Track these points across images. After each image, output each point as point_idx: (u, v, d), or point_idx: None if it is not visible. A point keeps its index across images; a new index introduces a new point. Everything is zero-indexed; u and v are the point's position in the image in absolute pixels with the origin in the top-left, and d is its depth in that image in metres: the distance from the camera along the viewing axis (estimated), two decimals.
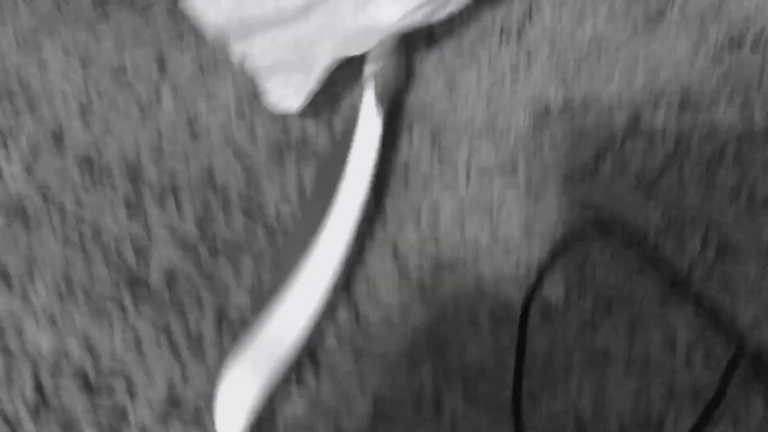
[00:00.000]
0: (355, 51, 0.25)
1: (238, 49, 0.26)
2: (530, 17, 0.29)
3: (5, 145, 0.25)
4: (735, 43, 0.29)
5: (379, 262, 0.25)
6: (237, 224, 0.25)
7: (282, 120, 0.26)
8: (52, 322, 0.23)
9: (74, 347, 0.23)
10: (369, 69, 0.26)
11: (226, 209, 0.25)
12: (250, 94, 0.26)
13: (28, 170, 0.24)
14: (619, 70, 0.28)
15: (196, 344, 0.23)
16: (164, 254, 0.24)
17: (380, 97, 0.25)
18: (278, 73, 0.25)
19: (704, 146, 0.28)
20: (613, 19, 0.29)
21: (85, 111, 0.25)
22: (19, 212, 0.24)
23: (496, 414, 0.23)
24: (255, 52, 0.26)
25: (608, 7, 0.29)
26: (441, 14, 0.26)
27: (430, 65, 0.28)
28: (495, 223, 0.25)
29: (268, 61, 0.26)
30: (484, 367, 0.23)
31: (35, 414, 0.22)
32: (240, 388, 0.22)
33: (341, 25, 0.25)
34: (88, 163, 0.25)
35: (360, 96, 0.25)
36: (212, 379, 0.22)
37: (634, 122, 0.28)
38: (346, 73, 0.27)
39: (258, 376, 0.22)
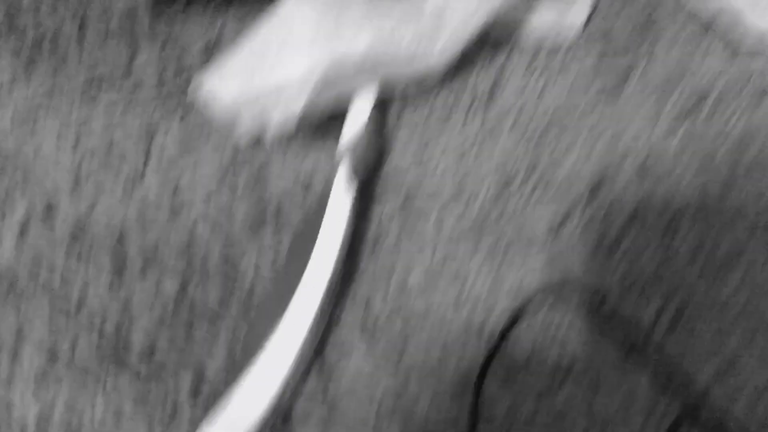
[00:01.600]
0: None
1: (248, 112, 0.27)
2: (497, 88, 0.30)
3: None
4: (692, 111, 0.31)
5: (348, 329, 0.26)
6: (214, 295, 0.26)
7: (260, 191, 0.27)
8: (37, 391, 0.24)
9: (58, 416, 0.24)
10: (343, 142, 0.27)
11: (204, 281, 0.26)
12: (231, 166, 0.28)
13: (19, 243, 0.26)
14: (581, 139, 0.30)
15: (171, 415, 0.24)
16: (143, 326, 0.25)
17: (354, 170, 0.26)
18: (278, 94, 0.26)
19: (662, 212, 0.29)
20: (576, 89, 0.31)
21: (75, 186, 0.27)
22: (9, 283, 0.26)
23: None
24: (263, 111, 0.27)
25: (572, 78, 0.30)
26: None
27: (402, 134, 0.29)
28: (461, 289, 0.27)
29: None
30: None
31: None
32: None
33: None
34: (75, 237, 0.26)
35: (334, 167, 0.27)
36: None
37: (596, 189, 0.29)
38: (322, 143, 0.28)
39: None
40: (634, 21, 0.32)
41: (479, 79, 0.30)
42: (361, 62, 0.26)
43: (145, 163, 0.27)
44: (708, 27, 0.32)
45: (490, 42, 0.30)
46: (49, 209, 0.26)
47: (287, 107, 0.26)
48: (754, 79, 0.32)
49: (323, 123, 0.28)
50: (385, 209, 0.27)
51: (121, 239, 0.26)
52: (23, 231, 0.26)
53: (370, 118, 0.27)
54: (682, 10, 0.33)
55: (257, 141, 0.28)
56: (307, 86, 0.26)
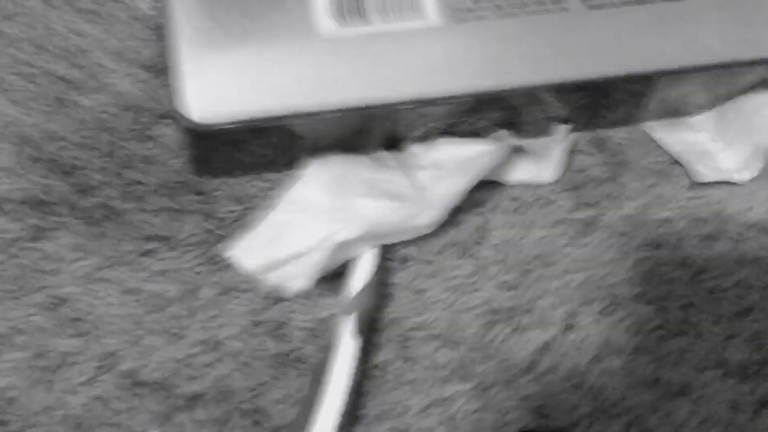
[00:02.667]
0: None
1: (272, 277, 0.33)
2: (484, 233, 0.36)
3: (73, 364, 0.32)
4: (656, 245, 0.36)
5: None
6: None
7: (283, 338, 0.33)
8: None
9: None
10: (350, 295, 0.33)
11: (239, 418, 0.32)
12: (260, 316, 0.33)
13: (87, 392, 0.32)
14: (557, 274, 0.35)
15: None
16: None
17: (359, 318, 0.32)
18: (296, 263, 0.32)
19: (627, 341, 0.34)
20: (554, 230, 0.36)
21: (134, 340, 0.33)
22: (77, 426, 0.32)
23: None
24: (285, 275, 0.33)
25: (547, 226, 0.36)
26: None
27: (401, 280, 0.35)
28: (452, 421, 0.32)
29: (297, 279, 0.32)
30: None
31: None
32: None
33: None
34: (135, 385, 0.32)
35: (343, 317, 0.32)
36: None
37: (569, 322, 0.34)
38: (334, 294, 0.34)
39: None
40: (605, 165, 0.37)
41: (468, 228, 0.36)
42: (364, 234, 0.32)
43: (188, 319, 0.33)
44: (675, 161, 0.37)
45: (475, 197, 0.36)
46: (113, 362, 0.32)
47: (304, 273, 0.32)
48: (715, 211, 0.37)
49: (335, 278, 0.33)
50: (385, 356, 0.33)
51: (169, 388, 0.32)
52: (90, 381, 0.32)
53: (372, 273, 0.33)
54: (651, 144, 0.38)
55: (280, 296, 0.33)
56: (320, 255, 0.31)
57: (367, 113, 0.32)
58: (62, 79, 0.36)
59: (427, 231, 0.33)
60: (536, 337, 0.34)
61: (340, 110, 0.29)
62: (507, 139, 0.35)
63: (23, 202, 0.34)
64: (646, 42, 0.31)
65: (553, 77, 0.31)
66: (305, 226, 0.32)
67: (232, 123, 0.29)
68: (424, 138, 0.35)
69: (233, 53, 0.29)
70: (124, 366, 0.32)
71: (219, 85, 0.29)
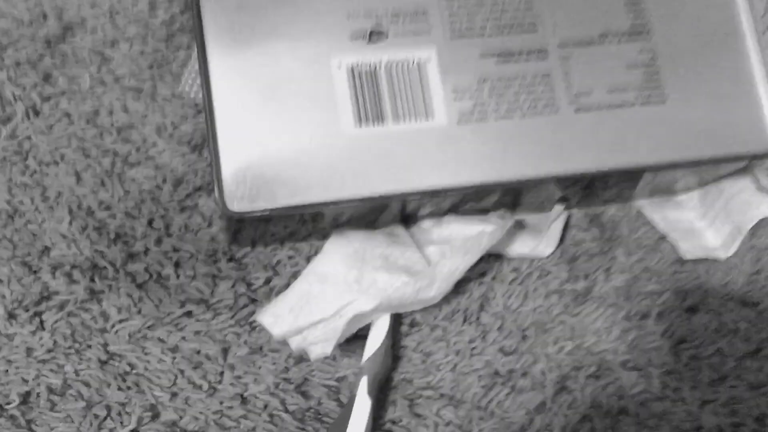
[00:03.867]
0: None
1: (295, 342, 0.37)
2: (486, 301, 0.40)
3: (119, 414, 0.37)
4: (642, 315, 0.39)
5: None
6: None
7: (306, 393, 0.37)
8: None
9: None
10: (365, 358, 0.37)
11: None
12: (285, 374, 0.37)
13: None
14: (552, 339, 0.39)
15: None
16: None
17: (372, 379, 0.36)
18: (317, 329, 0.36)
19: (612, 403, 0.37)
20: (549, 299, 0.40)
21: (172, 396, 0.37)
22: None
23: None
24: (307, 340, 0.37)
25: (543, 296, 0.39)
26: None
27: (410, 343, 0.39)
28: None
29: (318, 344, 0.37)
30: None
31: None
32: None
33: None
34: (170, 431, 0.36)
35: (359, 377, 0.36)
36: None
37: (562, 385, 0.38)
38: (351, 356, 0.38)
39: None
40: (598, 240, 0.41)
41: (472, 297, 0.40)
42: (378, 305, 0.36)
43: (222, 374, 0.37)
44: (663, 236, 0.41)
45: (479, 268, 0.39)
46: (155, 413, 0.36)
47: (324, 338, 0.36)
48: (698, 285, 0.40)
49: (353, 340, 0.37)
50: (395, 414, 0.37)
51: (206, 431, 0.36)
52: (135, 431, 0.36)
53: (384, 338, 0.37)
54: (642, 220, 0.42)
55: (303, 357, 0.38)
56: (337, 323, 0.36)
57: (383, 201, 0.36)
58: (111, 152, 0.41)
59: (434, 302, 0.37)
60: (531, 398, 0.37)
61: (359, 200, 0.34)
62: (508, 216, 0.39)
63: (76, 266, 0.38)
64: (630, 141, 0.35)
65: (546, 172, 0.35)
66: (325, 296, 0.36)
67: (264, 210, 0.33)
68: (434, 214, 0.39)
69: (266, 151, 0.33)
70: (165, 417, 0.36)
71: (253, 179, 0.33)
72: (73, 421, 0.36)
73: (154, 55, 0.42)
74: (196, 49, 0.35)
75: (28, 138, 0.40)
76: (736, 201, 0.40)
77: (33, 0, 0.43)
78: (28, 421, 0.36)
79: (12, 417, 0.35)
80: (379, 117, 0.34)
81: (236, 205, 0.33)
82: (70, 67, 0.42)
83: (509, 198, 0.39)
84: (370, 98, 0.34)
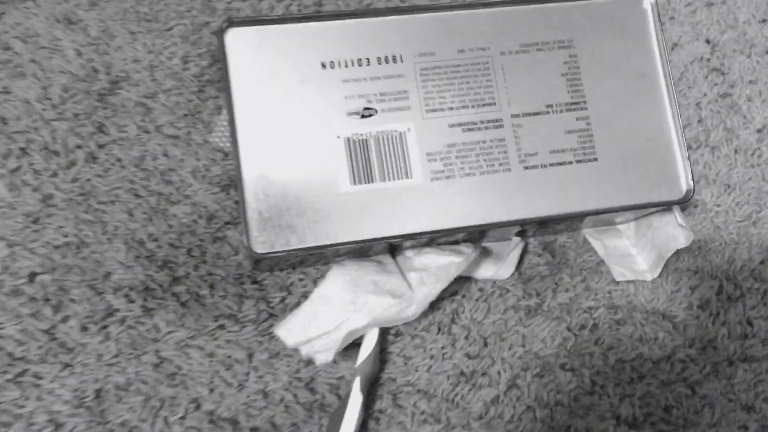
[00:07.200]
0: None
1: (304, 349, 0.47)
2: (456, 315, 0.49)
3: (170, 405, 0.47)
4: (580, 326, 0.49)
5: None
6: None
7: (313, 389, 0.47)
8: None
9: None
10: (358, 362, 0.47)
11: None
12: (297, 374, 0.48)
13: (182, 421, 0.47)
14: (507, 346, 0.49)
15: None
16: None
17: (364, 378, 0.46)
18: (321, 340, 0.47)
19: (551, 397, 0.48)
20: (506, 314, 0.49)
21: (210, 391, 0.47)
22: None
23: None
24: (314, 349, 0.47)
25: (502, 310, 0.49)
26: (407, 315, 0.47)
27: (394, 349, 0.49)
28: None
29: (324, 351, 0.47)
30: None
31: None
32: None
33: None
34: (212, 423, 0.47)
35: (353, 377, 0.46)
36: None
37: (512, 383, 0.48)
38: (347, 359, 0.48)
39: None
40: (548, 264, 0.51)
41: (445, 311, 0.49)
42: (369, 321, 0.46)
43: (248, 374, 0.47)
44: (602, 260, 0.51)
45: (452, 288, 0.49)
46: (197, 404, 0.47)
47: (327, 347, 0.46)
48: (627, 301, 0.50)
49: (350, 348, 0.47)
50: (382, 405, 0.47)
51: (235, 423, 0.46)
52: (184, 417, 0.47)
53: (373, 346, 0.47)
54: (587, 246, 0.51)
55: (311, 362, 0.48)
56: (337, 336, 0.46)
57: (372, 244, 0.46)
58: (156, 192, 0.50)
59: (413, 320, 0.47)
60: (488, 393, 0.48)
61: (353, 243, 0.43)
62: (476, 246, 0.49)
63: (133, 288, 0.48)
64: (570, 193, 0.45)
65: (502, 219, 0.44)
66: (328, 314, 0.46)
67: (282, 252, 0.43)
68: (415, 246, 0.49)
69: (280, 205, 0.43)
70: (205, 407, 0.47)
71: (272, 228, 0.43)
72: (135, 411, 0.46)
73: (188, 105, 0.52)
74: (225, 110, 0.44)
75: (88, 180, 0.50)
76: (662, 233, 0.50)
77: (85, 56, 0.52)
78: (101, 411, 0.46)
79: (89, 408, 0.46)
80: (369, 177, 0.44)
81: (259, 248, 0.43)
82: (119, 118, 0.51)
83: (476, 232, 0.49)
84: (362, 162, 0.44)
